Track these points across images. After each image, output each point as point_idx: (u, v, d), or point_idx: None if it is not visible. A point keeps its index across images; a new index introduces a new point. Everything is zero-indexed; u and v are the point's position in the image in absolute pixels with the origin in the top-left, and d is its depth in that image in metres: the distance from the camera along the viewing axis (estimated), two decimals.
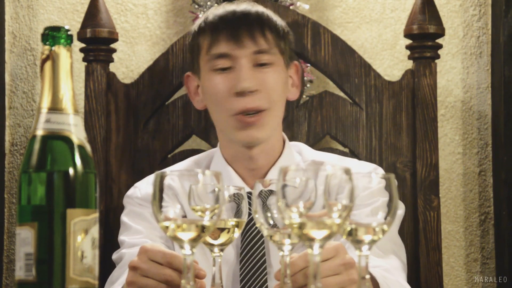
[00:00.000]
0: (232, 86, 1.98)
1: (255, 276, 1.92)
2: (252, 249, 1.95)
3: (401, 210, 2.10)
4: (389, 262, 1.93)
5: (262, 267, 1.92)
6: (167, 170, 2.13)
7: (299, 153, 2.12)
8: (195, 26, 2.08)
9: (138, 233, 2.01)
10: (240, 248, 1.96)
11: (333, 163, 2.07)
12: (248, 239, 1.95)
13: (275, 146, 2.05)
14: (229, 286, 1.95)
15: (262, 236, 1.93)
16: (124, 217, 2.09)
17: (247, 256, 1.94)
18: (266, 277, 1.92)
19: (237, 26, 2.00)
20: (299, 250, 1.57)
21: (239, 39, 1.99)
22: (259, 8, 2.05)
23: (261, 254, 1.94)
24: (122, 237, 2.05)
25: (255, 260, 1.93)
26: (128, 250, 1.97)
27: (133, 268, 1.61)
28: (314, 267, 1.21)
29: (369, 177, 1.33)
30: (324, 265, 1.57)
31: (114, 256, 2.04)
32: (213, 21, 2.02)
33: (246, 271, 1.92)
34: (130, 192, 2.12)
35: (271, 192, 1.39)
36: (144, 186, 2.09)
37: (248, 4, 2.06)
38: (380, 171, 2.09)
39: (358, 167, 2.04)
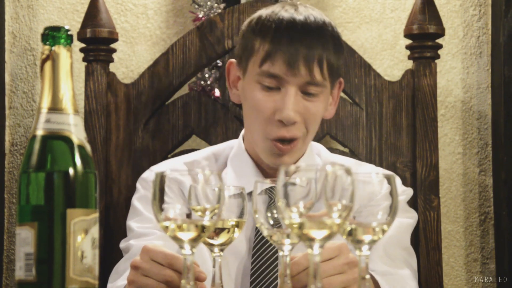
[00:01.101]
0: (276, 110, 1.94)
1: (266, 272, 1.92)
2: (264, 245, 1.94)
3: (412, 219, 2.09)
4: (398, 272, 1.94)
5: (274, 264, 1.92)
6: (180, 158, 2.15)
7: (318, 155, 2.13)
8: (255, 20, 1.99)
9: (148, 221, 1.99)
10: (254, 242, 1.96)
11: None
12: (262, 235, 1.94)
13: (300, 151, 2.04)
14: (239, 280, 1.95)
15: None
16: (135, 201, 2.07)
17: (260, 252, 1.94)
18: (277, 274, 1.91)
19: (296, 46, 1.92)
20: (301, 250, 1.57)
21: (296, 66, 1.92)
22: (326, 22, 1.97)
23: (273, 251, 1.93)
24: (131, 223, 2.04)
25: (268, 256, 1.93)
26: (136, 242, 1.95)
27: (134, 267, 1.62)
28: (314, 267, 1.21)
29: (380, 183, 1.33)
30: (328, 264, 1.57)
31: (122, 244, 2.02)
32: (275, 28, 1.94)
33: (257, 266, 1.93)
34: (146, 175, 2.11)
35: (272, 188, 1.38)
36: (160, 169, 2.05)
37: (307, 11, 1.97)
38: (397, 178, 2.06)
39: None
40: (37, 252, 1.18)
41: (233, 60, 2.07)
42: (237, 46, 2.09)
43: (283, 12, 1.97)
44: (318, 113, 1.98)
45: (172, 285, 1.58)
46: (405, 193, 2.10)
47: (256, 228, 1.96)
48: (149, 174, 2.10)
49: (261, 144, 1.98)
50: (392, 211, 1.30)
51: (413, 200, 2.39)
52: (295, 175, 1.22)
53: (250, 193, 1.95)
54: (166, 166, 2.12)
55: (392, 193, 1.30)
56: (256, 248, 1.94)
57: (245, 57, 2.00)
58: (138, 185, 2.11)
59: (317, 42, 1.94)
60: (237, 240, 1.93)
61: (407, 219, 2.06)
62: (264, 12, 2.00)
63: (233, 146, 2.12)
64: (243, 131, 2.12)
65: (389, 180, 1.32)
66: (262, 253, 1.93)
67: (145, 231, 1.97)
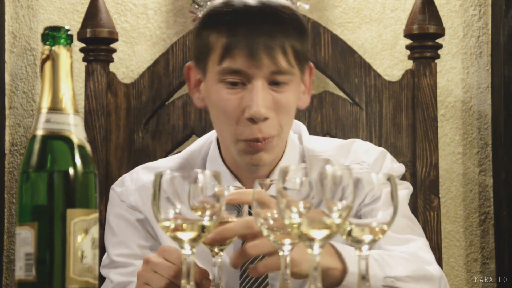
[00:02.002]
0: (243, 108, 1.78)
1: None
2: (253, 260, 1.76)
3: (407, 189, 1.98)
4: (410, 247, 1.84)
5: (265, 282, 1.85)
6: (152, 165, 2.08)
7: (299, 140, 1.98)
8: (207, 12, 1.85)
9: (126, 246, 1.94)
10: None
11: (335, 155, 1.96)
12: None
13: (278, 154, 1.90)
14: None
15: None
16: (112, 220, 1.98)
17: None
18: (267, 280, 1.83)
19: (255, 37, 1.76)
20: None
21: (258, 57, 1.75)
22: (283, 3, 1.82)
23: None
24: (109, 246, 1.96)
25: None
26: (115, 276, 1.92)
27: (146, 261, 1.62)
28: (314, 267, 1.21)
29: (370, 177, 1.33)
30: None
31: (103, 271, 1.96)
32: (229, 18, 1.79)
33: (248, 285, 1.83)
34: (119, 189, 2.00)
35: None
36: (132, 191, 1.97)
37: None
38: (388, 155, 1.99)
39: (364, 154, 1.96)
40: (37, 252, 1.18)
41: (190, 63, 1.90)
42: (193, 46, 1.93)
43: None
44: (290, 104, 1.82)
45: (176, 282, 1.58)
46: (396, 170, 1.98)
47: (243, 243, 1.87)
48: (121, 190, 1.98)
49: (233, 147, 1.83)
50: (392, 211, 1.30)
51: (413, 200, 2.39)
52: (295, 175, 1.22)
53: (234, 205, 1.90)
54: (138, 177, 1.98)
55: (392, 193, 1.30)
56: (245, 264, 1.83)
57: (203, 56, 1.82)
58: (111, 197, 2.00)
59: (277, 27, 1.77)
60: (225, 255, 1.87)
61: (401, 190, 1.92)
62: (215, 2, 1.83)
63: (211, 142, 1.97)
64: (216, 137, 1.97)
65: (389, 179, 1.31)
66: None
67: (122, 260, 1.93)
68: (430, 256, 1.86)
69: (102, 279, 2.06)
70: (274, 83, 1.79)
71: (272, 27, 1.77)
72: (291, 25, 1.80)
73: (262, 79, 1.77)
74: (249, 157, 1.82)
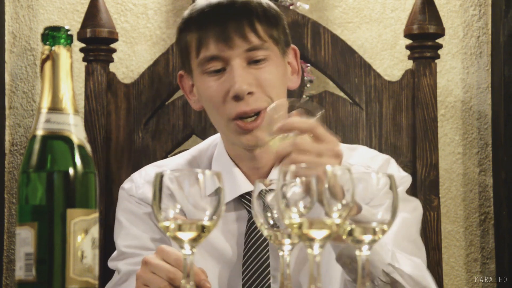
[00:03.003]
0: (227, 89, 1.86)
1: (259, 280, 1.87)
2: (255, 252, 1.90)
3: (416, 211, 1.97)
4: (416, 260, 1.83)
5: (266, 271, 1.88)
6: (161, 163, 2.11)
7: None
8: (181, 20, 1.96)
9: (134, 237, 1.97)
10: (243, 249, 1.92)
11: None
12: (252, 241, 1.90)
13: None
14: (231, 285, 1.92)
15: (266, 239, 1.87)
16: (120, 215, 2.03)
17: (251, 259, 1.89)
18: (269, 282, 1.87)
19: (224, 23, 1.86)
20: None
21: (228, 39, 1.85)
22: None
23: (265, 257, 1.88)
24: (117, 240, 2.00)
25: (259, 263, 1.88)
26: (124, 266, 1.94)
27: (145, 263, 1.64)
28: (314, 267, 1.21)
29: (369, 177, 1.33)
30: (312, 143, 1.55)
31: (111, 264, 2.00)
32: (198, 16, 1.89)
33: (249, 275, 1.87)
34: (127, 185, 2.04)
35: (271, 191, 1.38)
36: (141, 184, 2.02)
37: None
38: (393, 162, 2.01)
39: (369, 160, 1.97)
40: (37, 252, 1.18)
41: (180, 71, 2.00)
42: (177, 56, 2.04)
43: (202, 1, 1.91)
44: (274, 79, 1.88)
45: (174, 284, 1.59)
46: (403, 181, 1.98)
47: (246, 235, 1.91)
48: (131, 186, 2.03)
49: (228, 131, 1.89)
50: (392, 211, 1.30)
51: None
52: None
53: (238, 198, 1.94)
54: (145, 178, 2.03)
55: (392, 193, 1.30)
56: (247, 255, 1.89)
57: (186, 59, 1.94)
58: (120, 195, 2.05)
59: (244, 10, 1.87)
60: (228, 248, 1.91)
61: (410, 213, 1.94)
62: (186, 11, 1.95)
63: (216, 144, 2.04)
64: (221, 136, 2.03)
65: (389, 179, 1.31)
66: (253, 261, 1.87)
67: (131, 251, 1.95)
68: (432, 279, 1.84)
69: (102, 279, 2.06)
70: (252, 62, 1.87)
71: (240, 11, 1.87)
72: (260, 8, 1.89)
73: (239, 59, 1.86)
74: (245, 138, 1.87)
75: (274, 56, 1.90)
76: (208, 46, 1.86)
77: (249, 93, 1.85)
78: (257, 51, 1.87)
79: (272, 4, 1.94)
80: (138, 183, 2.03)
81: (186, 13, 1.94)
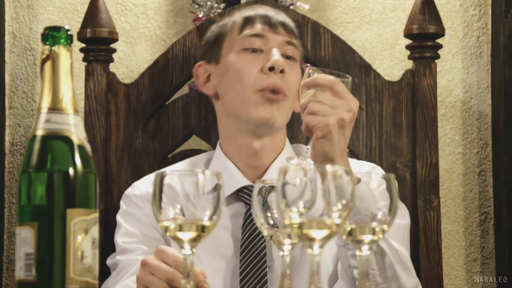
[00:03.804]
0: (262, 65, 2.01)
1: (255, 270, 1.93)
2: (251, 243, 1.96)
3: (404, 220, 2.01)
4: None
5: (262, 261, 1.93)
6: (167, 170, 2.15)
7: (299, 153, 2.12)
8: (220, 21, 2.15)
9: (132, 235, 2.03)
10: (240, 241, 1.98)
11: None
12: (248, 233, 1.97)
13: (278, 144, 2.07)
14: (228, 280, 1.97)
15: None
16: (119, 217, 2.11)
17: (247, 250, 1.96)
18: (266, 271, 1.93)
19: (272, 17, 2.06)
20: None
21: (274, 26, 2.04)
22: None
23: (261, 248, 1.95)
24: (116, 238, 2.07)
25: (255, 254, 1.95)
26: (122, 257, 1.99)
27: (144, 264, 1.66)
28: (314, 267, 1.21)
29: (369, 178, 1.33)
30: (329, 97, 1.75)
31: (109, 261, 2.05)
32: (246, 12, 2.08)
33: (245, 265, 1.94)
34: (128, 191, 2.14)
35: (272, 188, 1.39)
36: (143, 185, 2.11)
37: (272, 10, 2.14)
38: (379, 170, 2.10)
39: (357, 167, 2.04)
40: (37, 252, 1.18)
41: (200, 62, 2.16)
42: (200, 51, 2.19)
43: (247, 10, 2.12)
44: (297, 78, 2.04)
45: (173, 285, 1.60)
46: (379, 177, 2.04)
47: (243, 227, 1.98)
48: (131, 190, 2.13)
49: (247, 101, 2.01)
50: (392, 211, 1.30)
51: (413, 200, 2.39)
52: (294, 175, 1.22)
53: (234, 193, 2.02)
54: (147, 180, 2.13)
55: (391, 193, 1.30)
56: (243, 247, 1.96)
57: (217, 45, 2.10)
58: (121, 202, 2.14)
59: (285, 19, 2.10)
60: (225, 241, 1.98)
61: (397, 219, 1.97)
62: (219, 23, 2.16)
63: (210, 154, 2.17)
64: (218, 142, 2.15)
65: (388, 180, 1.32)
66: (249, 253, 1.95)
67: (130, 246, 2.01)
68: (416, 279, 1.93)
69: (102, 279, 2.07)
70: (285, 57, 2.04)
71: (282, 18, 2.09)
72: (294, 27, 2.12)
73: (278, 45, 2.04)
74: (264, 109, 1.99)
75: (297, 64, 2.09)
76: (254, 26, 2.05)
77: (282, 71, 2.00)
78: (292, 47, 2.06)
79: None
80: (140, 185, 2.12)
81: (225, 20, 2.14)
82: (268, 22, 2.05)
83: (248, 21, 2.06)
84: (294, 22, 2.15)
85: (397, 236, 1.95)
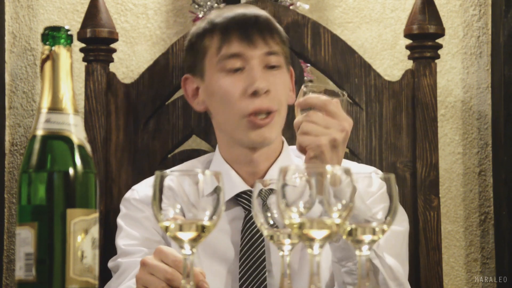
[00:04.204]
0: (246, 87, 1.97)
1: (254, 274, 1.94)
2: (251, 247, 1.96)
3: (402, 227, 2.02)
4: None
5: (261, 265, 1.94)
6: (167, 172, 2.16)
7: (299, 157, 2.11)
8: (197, 28, 2.07)
9: (133, 238, 2.03)
10: (240, 246, 1.98)
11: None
12: (248, 237, 1.97)
13: (276, 149, 2.07)
14: (228, 284, 1.97)
15: (262, 235, 1.93)
16: (119, 220, 2.11)
17: (247, 255, 1.96)
18: (265, 275, 1.94)
19: (249, 27, 2.00)
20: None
21: (252, 40, 1.99)
22: (266, 13, 2.07)
23: (260, 252, 1.95)
24: (117, 241, 2.07)
25: (255, 258, 1.95)
26: (124, 260, 1.99)
27: (143, 264, 1.66)
28: (314, 267, 1.21)
29: (370, 178, 1.33)
30: (322, 117, 1.74)
31: (110, 263, 2.05)
32: (223, 22, 2.02)
33: (245, 270, 1.94)
34: (128, 194, 2.13)
35: (271, 191, 1.39)
36: (142, 188, 2.10)
37: (255, 8, 2.07)
38: (378, 172, 2.09)
39: (357, 170, 2.04)
40: (37, 252, 1.18)
41: (186, 74, 2.11)
42: (185, 63, 2.16)
43: (229, 10, 2.05)
44: (284, 85, 2.03)
45: (172, 285, 1.60)
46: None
47: (242, 231, 1.98)
48: (131, 194, 2.12)
49: (236, 125, 1.99)
50: (392, 211, 1.30)
51: (413, 200, 2.39)
52: (294, 175, 1.22)
53: (234, 198, 2.03)
54: (146, 183, 2.13)
55: (392, 194, 1.30)
56: (243, 251, 1.97)
57: (199, 61, 2.05)
58: (121, 206, 2.14)
59: (266, 22, 2.03)
60: (225, 245, 1.98)
61: (395, 226, 1.95)
62: (202, 22, 2.08)
63: (210, 156, 2.16)
64: (217, 145, 2.14)
65: (388, 181, 1.32)
66: (249, 257, 1.95)
67: (131, 249, 2.01)
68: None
69: (102, 279, 2.06)
70: (268, 67, 2.00)
71: (262, 22, 2.02)
72: (277, 27, 2.06)
73: (258, 61, 1.99)
74: (255, 134, 1.97)
75: (284, 68, 2.04)
76: (231, 44, 1.99)
77: (266, 92, 1.97)
78: (275, 56, 2.01)
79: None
80: (139, 188, 2.12)
81: (204, 22, 2.06)
82: (245, 35, 1.99)
83: (224, 40, 2.00)
84: (273, 16, 2.10)
85: (395, 244, 1.96)
